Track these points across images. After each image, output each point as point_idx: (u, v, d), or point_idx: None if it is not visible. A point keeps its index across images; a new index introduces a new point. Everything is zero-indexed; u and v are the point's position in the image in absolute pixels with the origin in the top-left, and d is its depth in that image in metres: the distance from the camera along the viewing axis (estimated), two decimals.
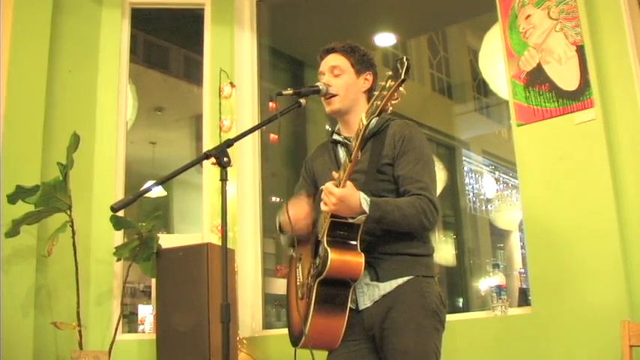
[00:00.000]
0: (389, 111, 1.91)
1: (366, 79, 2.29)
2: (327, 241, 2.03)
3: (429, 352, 2.05)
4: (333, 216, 2.03)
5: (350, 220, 2.01)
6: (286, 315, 2.35)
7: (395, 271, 2.10)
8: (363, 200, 1.99)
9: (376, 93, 1.89)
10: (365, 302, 2.12)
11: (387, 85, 1.86)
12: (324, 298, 2.05)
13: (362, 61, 2.29)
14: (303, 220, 2.16)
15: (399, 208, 2.04)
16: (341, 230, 2.04)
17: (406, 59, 1.82)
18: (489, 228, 7.97)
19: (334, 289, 2.05)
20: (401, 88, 1.84)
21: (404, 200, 2.08)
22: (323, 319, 2.06)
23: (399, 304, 2.07)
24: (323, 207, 2.01)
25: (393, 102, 1.87)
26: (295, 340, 2.17)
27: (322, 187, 2.03)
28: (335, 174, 2.01)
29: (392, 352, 2.05)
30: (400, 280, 2.10)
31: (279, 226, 2.27)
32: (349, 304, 2.08)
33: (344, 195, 1.95)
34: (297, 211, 2.16)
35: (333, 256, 1.99)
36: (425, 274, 2.13)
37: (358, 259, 2.03)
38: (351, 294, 2.08)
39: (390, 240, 2.12)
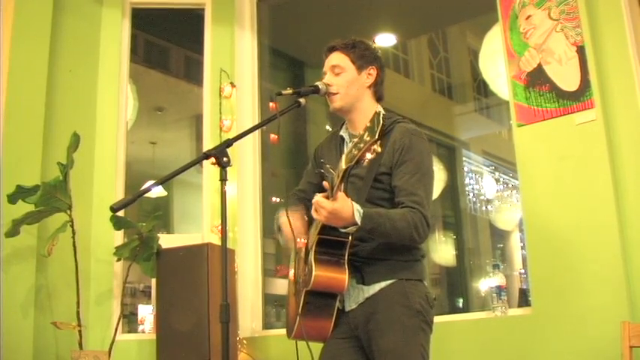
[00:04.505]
0: (365, 162, 1.93)
1: (369, 74, 2.28)
2: (313, 257, 2.05)
3: (414, 351, 2.07)
4: (320, 232, 2.05)
5: (341, 230, 2.03)
6: (286, 305, 2.39)
7: (380, 274, 2.13)
8: (356, 212, 1.99)
9: (355, 140, 1.92)
10: (350, 304, 2.16)
11: (364, 137, 1.89)
12: (311, 305, 2.10)
13: (363, 57, 2.28)
14: (295, 237, 2.21)
15: (391, 220, 2.05)
16: (328, 246, 2.07)
17: (382, 117, 1.89)
18: (489, 228, 7.97)
19: (321, 298, 2.10)
20: (375, 146, 1.88)
21: (397, 212, 2.08)
22: (311, 321, 2.12)
23: (382, 305, 2.10)
24: (315, 216, 2.03)
25: (370, 156, 1.90)
26: (289, 331, 2.24)
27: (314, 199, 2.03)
28: (326, 184, 2.02)
29: (378, 353, 2.07)
30: (383, 284, 2.12)
31: (278, 227, 2.30)
32: (337, 305, 2.13)
33: (335, 209, 1.96)
34: (291, 229, 2.19)
35: (317, 273, 2.03)
36: (409, 277, 2.14)
37: (342, 276, 2.05)
38: (337, 300, 2.13)
39: (378, 245, 2.13)
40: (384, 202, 2.15)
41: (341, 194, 1.98)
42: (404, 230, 2.05)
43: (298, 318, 2.10)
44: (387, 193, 2.16)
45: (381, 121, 1.86)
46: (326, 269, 2.04)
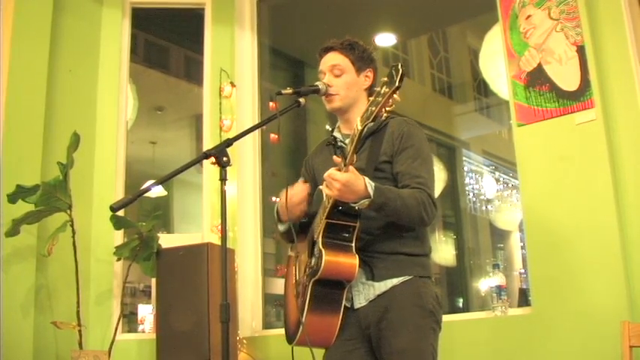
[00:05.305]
0: (383, 116, 1.89)
1: (366, 76, 2.29)
2: (322, 242, 2.03)
3: (426, 352, 2.05)
4: (328, 217, 2.03)
5: (352, 205, 2.00)
6: (283, 313, 2.35)
7: (390, 270, 2.10)
8: (369, 184, 1.97)
9: (371, 98, 1.89)
10: (360, 301, 2.12)
11: (382, 91, 1.85)
12: (319, 298, 2.05)
13: (362, 58, 2.28)
14: (297, 205, 2.19)
15: (401, 197, 2.03)
16: (336, 231, 2.04)
17: (401, 66, 1.81)
18: (489, 228, 7.97)
19: (329, 289, 2.06)
20: (395, 95, 1.84)
21: (406, 191, 2.07)
22: (317, 317, 2.06)
23: (395, 304, 2.07)
24: (327, 192, 2.00)
25: (388, 108, 1.86)
26: (291, 337, 2.18)
27: (324, 176, 2.00)
28: (337, 158, 1.99)
29: (389, 353, 2.05)
30: (395, 280, 2.10)
31: (277, 215, 2.29)
32: (344, 302, 2.09)
33: (349, 180, 1.93)
34: (293, 196, 2.18)
35: (327, 258, 1.99)
36: (421, 274, 2.13)
37: (352, 261, 2.02)
38: (345, 293, 2.08)
39: (386, 239, 2.12)
40: None
41: (352, 168, 1.95)
42: (414, 208, 2.04)
43: (304, 319, 2.05)
44: (390, 181, 2.14)
45: (400, 70, 1.80)
46: (336, 254, 2.01)
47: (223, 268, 1.93)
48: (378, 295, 2.10)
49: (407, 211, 2.04)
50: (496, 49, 3.66)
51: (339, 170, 1.95)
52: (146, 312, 4.62)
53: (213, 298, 3.30)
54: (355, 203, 1.99)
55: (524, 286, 3.30)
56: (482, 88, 6.86)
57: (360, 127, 1.91)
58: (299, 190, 2.20)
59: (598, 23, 3.00)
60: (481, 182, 8.10)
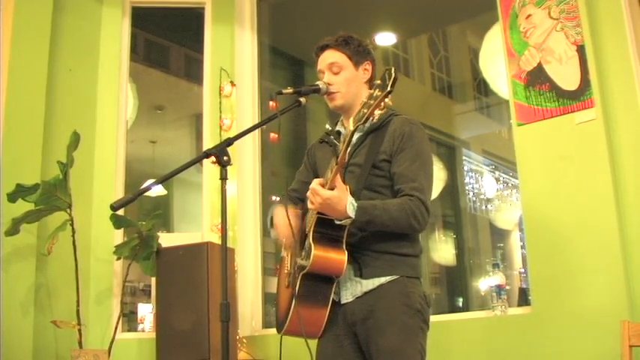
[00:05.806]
0: (375, 118, 1.92)
1: (365, 69, 2.29)
2: (312, 236, 2.04)
3: (414, 351, 2.06)
4: (320, 212, 2.04)
5: (336, 222, 2.03)
6: (275, 301, 2.37)
7: (378, 269, 2.11)
8: (350, 205, 1.99)
9: (364, 100, 1.92)
10: (347, 297, 2.13)
11: (375, 94, 1.88)
12: (307, 291, 2.07)
13: (358, 52, 2.28)
14: (288, 236, 2.19)
15: (387, 211, 2.04)
16: (327, 227, 2.06)
17: (394, 71, 1.85)
18: (489, 228, 7.98)
19: (317, 283, 2.07)
20: (387, 99, 1.87)
21: (393, 202, 2.08)
22: (305, 310, 2.08)
23: (382, 303, 2.08)
24: (309, 205, 2.03)
25: (379, 111, 1.89)
26: (280, 325, 2.20)
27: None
28: (329, 172, 2.02)
29: (377, 352, 2.05)
30: (383, 279, 2.10)
31: (271, 222, 2.30)
32: (332, 297, 2.11)
33: (330, 198, 1.97)
34: (285, 226, 2.17)
35: (316, 252, 2.01)
36: (409, 274, 2.13)
37: (341, 257, 2.04)
38: (334, 288, 2.10)
39: (378, 238, 2.11)
40: (385, 189, 2.14)
41: (340, 185, 1.98)
42: (402, 220, 2.05)
43: (293, 305, 2.06)
44: (387, 180, 2.15)
45: (393, 75, 1.85)
46: (325, 249, 2.03)
47: (223, 268, 1.93)
48: (365, 293, 2.10)
49: (394, 223, 2.06)
50: (496, 49, 3.66)
51: (324, 185, 1.98)
52: (146, 311, 4.62)
53: (213, 298, 3.30)
54: (339, 220, 2.01)
55: (524, 286, 3.30)
56: (482, 87, 6.87)
57: (351, 128, 1.93)
58: (295, 219, 2.19)
59: (598, 23, 3.00)
60: (481, 182, 8.10)
